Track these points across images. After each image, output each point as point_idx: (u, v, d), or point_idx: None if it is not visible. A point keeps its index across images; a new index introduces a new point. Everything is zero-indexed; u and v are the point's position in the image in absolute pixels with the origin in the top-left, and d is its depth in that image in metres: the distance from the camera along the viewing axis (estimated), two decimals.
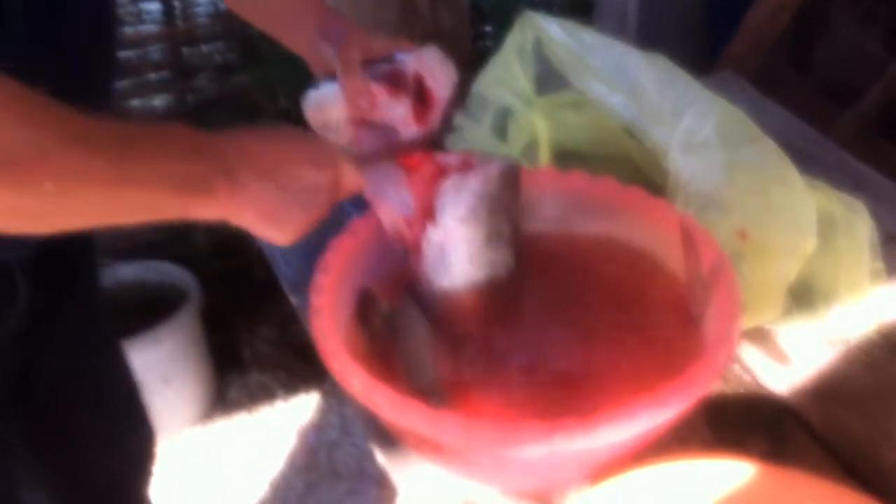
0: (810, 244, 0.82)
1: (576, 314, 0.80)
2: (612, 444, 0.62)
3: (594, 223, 0.86)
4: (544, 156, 0.96)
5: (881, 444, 0.78)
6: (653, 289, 0.81)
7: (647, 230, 0.83)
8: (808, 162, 0.89)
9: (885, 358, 0.86)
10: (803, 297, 0.86)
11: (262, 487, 1.79)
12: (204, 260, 1.96)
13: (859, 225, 0.87)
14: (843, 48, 1.83)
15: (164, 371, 1.77)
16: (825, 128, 1.26)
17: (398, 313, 0.78)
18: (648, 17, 2.10)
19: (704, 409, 0.75)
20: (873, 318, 0.89)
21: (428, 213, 0.76)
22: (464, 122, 0.97)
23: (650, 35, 2.07)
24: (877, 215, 0.88)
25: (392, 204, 0.77)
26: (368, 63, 0.78)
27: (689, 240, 0.78)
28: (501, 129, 0.96)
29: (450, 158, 0.78)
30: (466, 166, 0.77)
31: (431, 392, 0.71)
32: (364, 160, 0.76)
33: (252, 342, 2.10)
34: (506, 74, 0.95)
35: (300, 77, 0.83)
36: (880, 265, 0.88)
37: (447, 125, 0.92)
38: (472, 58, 1.63)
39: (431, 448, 0.68)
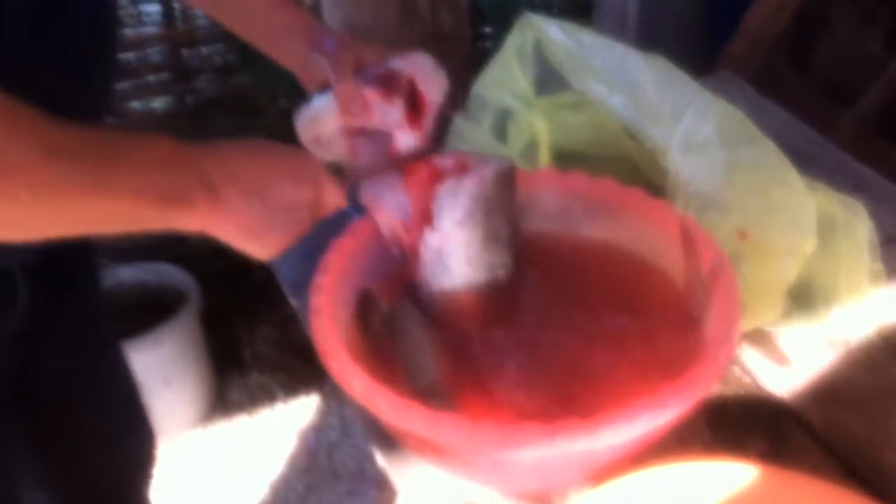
0: (810, 245, 0.82)
1: (576, 315, 0.80)
2: (612, 446, 0.62)
3: (594, 224, 0.86)
4: (544, 156, 0.96)
5: (881, 445, 0.78)
6: (653, 289, 0.81)
7: (647, 231, 0.83)
8: (807, 163, 0.89)
9: (884, 359, 0.86)
10: (803, 298, 0.86)
11: (263, 489, 1.79)
12: (203, 261, 1.96)
13: (859, 226, 0.87)
14: (843, 48, 1.83)
15: (164, 373, 1.77)
16: (825, 128, 1.26)
17: (398, 314, 0.78)
18: (648, 17, 2.10)
19: (705, 410, 0.75)
20: (873, 319, 0.89)
21: (425, 217, 0.76)
22: (464, 123, 0.97)
23: (650, 36, 2.07)
24: (876, 216, 0.88)
25: (389, 209, 0.77)
26: (360, 70, 0.78)
27: (688, 240, 0.78)
28: (501, 130, 0.96)
29: (445, 161, 0.78)
30: (462, 168, 0.77)
31: (432, 393, 0.71)
32: (360, 170, 0.77)
33: (252, 343, 2.10)
34: (506, 75, 0.95)
35: None
36: (880, 266, 0.88)
37: (441, 133, 0.92)
38: (471, 59, 1.63)
39: (431, 450, 0.68)
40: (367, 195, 0.77)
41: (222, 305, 1.98)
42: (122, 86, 2.01)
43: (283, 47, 0.84)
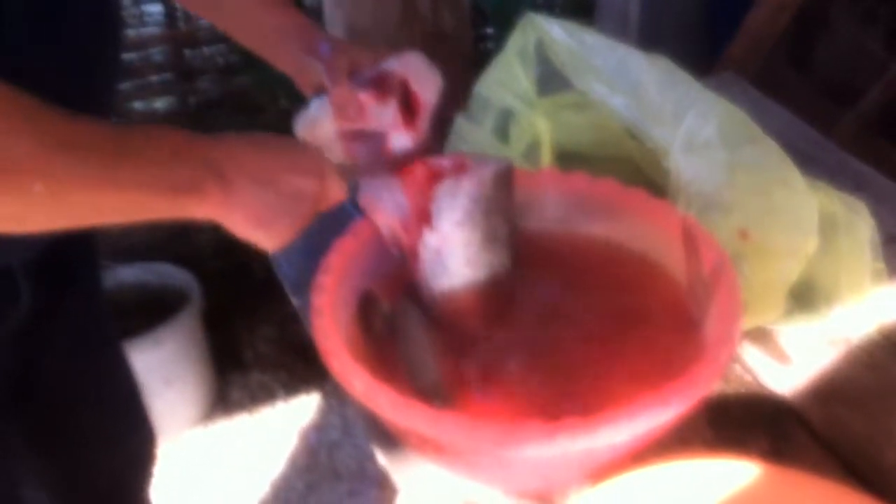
0: (812, 244, 0.82)
1: (577, 314, 0.80)
2: (613, 445, 0.62)
3: (596, 224, 0.86)
4: (546, 157, 0.96)
5: (882, 444, 0.78)
6: (654, 289, 0.81)
7: (649, 231, 0.83)
8: (809, 162, 0.89)
9: (886, 358, 0.86)
10: (804, 297, 0.86)
11: (263, 488, 1.80)
12: (204, 260, 1.96)
13: (860, 225, 0.87)
14: (843, 48, 1.83)
15: (165, 373, 1.77)
16: (826, 128, 1.26)
17: (399, 314, 0.78)
18: (650, 18, 2.10)
19: (706, 409, 0.75)
20: (874, 318, 0.89)
21: (424, 218, 0.76)
22: (465, 123, 0.97)
23: (651, 36, 2.08)
24: (878, 216, 0.89)
25: (388, 210, 0.77)
26: (355, 73, 0.78)
27: (690, 240, 0.78)
28: (503, 130, 0.96)
29: (443, 161, 0.79)
30: (460, 169, 0.77)
31: (433, 393, 0.71)
32: (358, 171, 0.77)
33: (253, 342, 2.10)
34: (507, 76, 0.95)
35: None
36: (881, 265, 0.88)
37: (442, 133, 0.92)
38: (473, 59, 1.63)
39: (433, 448, 0.68)
40: (364, 197, 0.78)
41: (223, 305, 1.99)
42: (125, 86, 2.02)
43: (279, 51, 0.84)
